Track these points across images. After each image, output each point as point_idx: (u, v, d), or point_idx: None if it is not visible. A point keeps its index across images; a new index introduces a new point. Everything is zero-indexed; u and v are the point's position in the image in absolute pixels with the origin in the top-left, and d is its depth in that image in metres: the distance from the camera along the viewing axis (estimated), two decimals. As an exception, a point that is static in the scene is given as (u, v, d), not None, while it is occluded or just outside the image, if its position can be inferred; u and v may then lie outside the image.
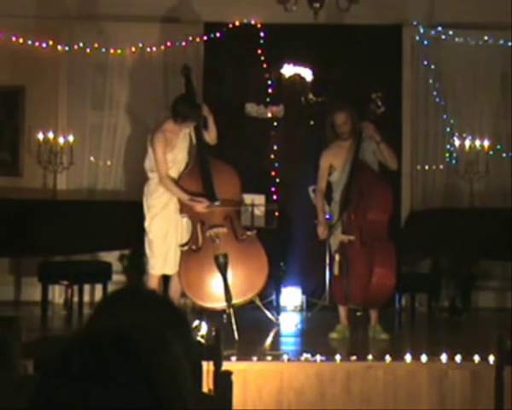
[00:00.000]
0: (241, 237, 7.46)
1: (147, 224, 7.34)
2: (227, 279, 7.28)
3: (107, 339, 1.30)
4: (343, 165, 7.60)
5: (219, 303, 7.33)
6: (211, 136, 7.54)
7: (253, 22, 9.62)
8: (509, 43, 9.69)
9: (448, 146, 9.81)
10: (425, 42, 9.79)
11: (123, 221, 8.39)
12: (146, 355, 1.28)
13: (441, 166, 9.87)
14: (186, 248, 7.39)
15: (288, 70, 9.60)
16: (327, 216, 7.72)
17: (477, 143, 9.55)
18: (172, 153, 7.38)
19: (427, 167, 9.88)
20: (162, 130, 7.39)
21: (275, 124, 9.66)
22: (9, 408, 1.89)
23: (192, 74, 8.00)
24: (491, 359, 5.99)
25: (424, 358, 6.39)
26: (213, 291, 7.34)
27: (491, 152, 9.59)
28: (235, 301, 7.28)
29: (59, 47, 9.54)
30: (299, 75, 9.62)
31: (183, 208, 7.38)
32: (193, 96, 7.67)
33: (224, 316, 7.44)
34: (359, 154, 7.54)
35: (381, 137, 7.53)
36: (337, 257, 7.50)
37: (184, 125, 7.35)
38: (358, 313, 7.95)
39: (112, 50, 9.66)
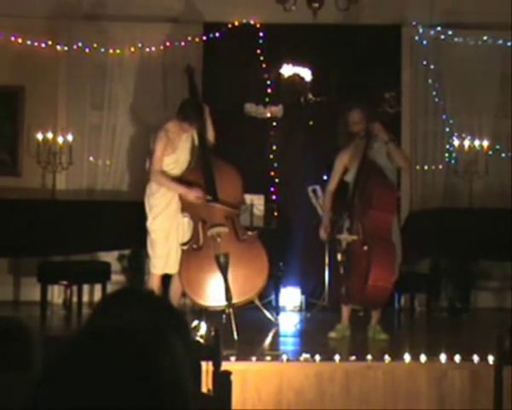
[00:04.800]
0: (242, 237, 7.46)
1: (149, 224, 7.33)
2: (227, 279, 7.28)
3: (108, 338, 1.29)
4: (356, 165, 7.56)
5: (219, 303, 7.32)
6: (208, 137, 7.55)
7: (252, 22, 9.62)
8: (509, 43, 9.69)
9: (447, 146, 9.81)
10: (424, 42, 9.79)
11: (122, 221, 8.40)
12: (148, 354, 1.28)
13: (440, 167, 9.87)
14: (187, 247, 7.39)
15: (287, 70, 9.60)
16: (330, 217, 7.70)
17: (476, 143, 9.55)
18: (175, 154, 7.38)
19: (426, 167, 9.88)
20: (165, 129, 7.39)
21: (274, 124, 9.65)
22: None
23: (195, 75, 8.00)
24: (491, 359, 6.00)
25: (423, 358, 6.38)
26: (214, 290, 7.34)
27: (490, 152, 9.59)
28: (235, 300, 7.28)
29: (58, 47, 9.54)
30: (298, 75, 9.61)
31: (185, 207, 7.38)
32: (198, 99, 7.70)
33: (224, 316, 7.44)
34: (369, 155, 7.50)
35: (390, 137, 7.48)
36: (339, 256, 7.50)
37: (184, 124, 7.35)
38: (360, 314, 7.95)
39: (111, 50, 9.66)
